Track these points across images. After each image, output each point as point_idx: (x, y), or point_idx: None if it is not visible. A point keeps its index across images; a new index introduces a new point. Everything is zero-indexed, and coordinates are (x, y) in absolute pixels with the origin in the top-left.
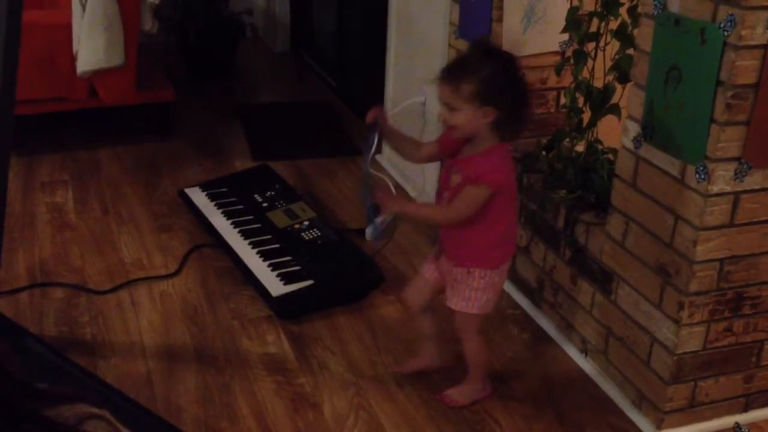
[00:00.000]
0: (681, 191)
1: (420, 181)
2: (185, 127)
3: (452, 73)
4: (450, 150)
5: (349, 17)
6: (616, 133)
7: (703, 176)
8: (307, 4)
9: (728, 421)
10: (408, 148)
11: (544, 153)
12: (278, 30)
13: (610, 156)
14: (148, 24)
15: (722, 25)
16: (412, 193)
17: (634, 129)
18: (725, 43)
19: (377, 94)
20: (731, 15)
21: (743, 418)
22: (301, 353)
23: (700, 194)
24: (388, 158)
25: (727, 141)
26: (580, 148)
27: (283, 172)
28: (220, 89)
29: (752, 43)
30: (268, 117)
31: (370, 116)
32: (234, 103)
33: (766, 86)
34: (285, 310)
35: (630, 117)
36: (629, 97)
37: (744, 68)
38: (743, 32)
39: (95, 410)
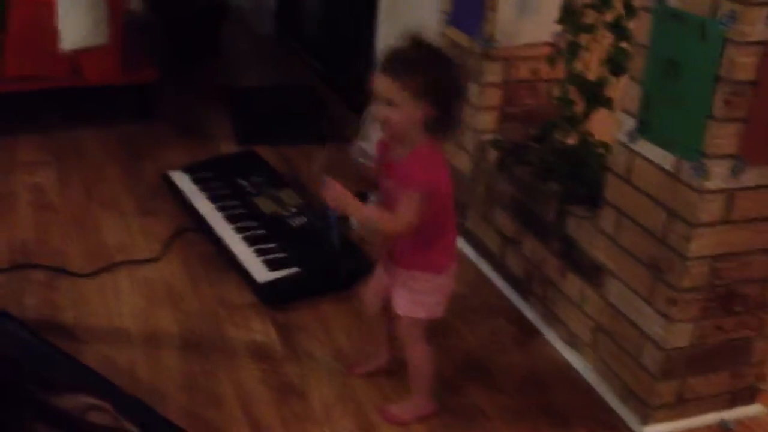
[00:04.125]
0: (675, 187)
1: None
2: (168, 109)
3: (392, 66)
4: (381, 154)
5: (336, 1)
6: (607, 126)
7: (699, 172)
8: None
9: (714, 417)
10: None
11: (533, 144)
12: (263, 12)
13: (601, 150)
14: (135, 2)
15: (723, 21)
16: None
17: (628, 123)
18: (725, 39)
19: (362, 78)
20: (732, 11)
21: (729, 414)
22: (288, 342)
23: (695, 190)
24: (370, 144)
25: (724, 137)
26: (570, 140)
27: (268, 157)
28: (204, 71)
29: (752, 39)
30: (254, 100)
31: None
32: (218, 85)
33: (765, 83)
34: (270, 296)
35: (625, 111)
36: (624, 91)
37: (743, 64)
38: (744, 28)
39: (97, 401)
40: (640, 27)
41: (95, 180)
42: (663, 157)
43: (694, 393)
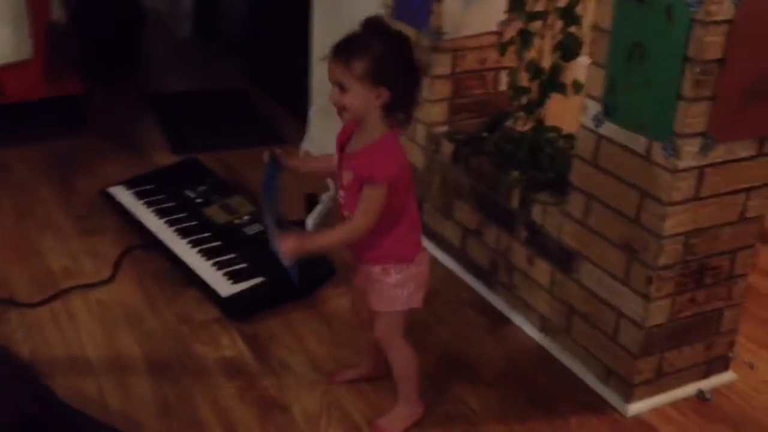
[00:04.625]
0: (647, 168)
1: None
2: (95, 120)
3: (343, 50)
4: (342, 144)
5: (261, 1)
6: (558, 112)
7: (670, 152)
8: None
9: (692, 388)
10: (324, 167)
11: (485, 134)
12: (181, 15)
13: (554, 136)
14: (57, 12)
15: (689, 2)
16: None
17: (594, 107)
18: (693, 20)
19: (298, 78)
20: None
21: (704, 384)
22: (260, 354)
23: (667, 170)
24: (315, 144)
25: (693, 116)
26: (521, 128)
27: (208, 164)
28: (125, 79)
29: (719, 18)
30: (182, 106)
31: (265, 157)
32: (142, 92)
33: (732, 60)
34: (236, 310)
35: (589, 96)
36: (588, 76)
37: (711, 44)
38: (711, 8)
39: None
40: (601, 12)
41: (27, 202)
42: (632, 139)
43: (671, 367)
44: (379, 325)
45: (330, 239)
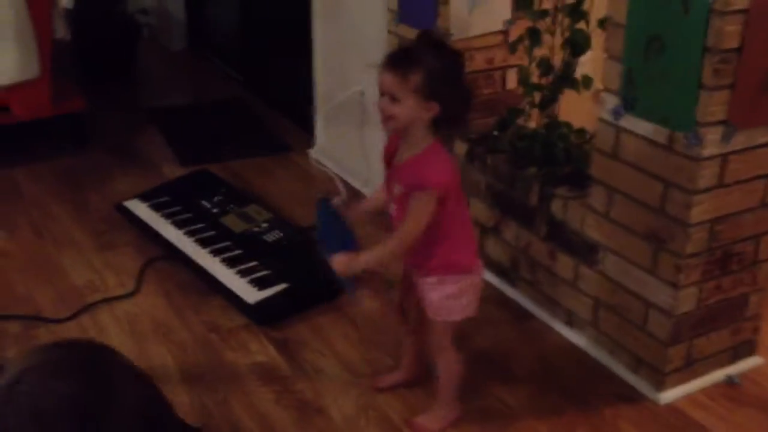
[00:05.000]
0: (670, 158)
1: (363, 171)
2: (99, 136)
3: (399, 62)
4: (389, 158)
5: (253, 9)
6: (567, 107)
7: (694, 141)
8: (203, 0)
9: (720, 374)
10: (383, 199)
11: (496, 132)
12: (173, 28)
13: (566, 131)
14: (62, 31)
15: None
16: (356, 185)
17: (612, 101)
18: (711, 11)
19: (299, 86)
20: None
21: (732, 369)
22: (291, 359)
23: (691, 159)
24: (323, 151)
25: (714, 105)
26: (533, 124)
27: (219, 174)
28: (123, 93)
29: (736, 7)
30: (183, 119)
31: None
32: (142, 106)
33: (749, 49)
34: (264, 316)
35: (607, 90)
36: (604, 70)
37: (730, 33)
38: None
39: None
40: (616, 6)
41: (42, 219)
42: (653, 130)
43: (700, 354)
44: (433, 333)
45: (382, 253)
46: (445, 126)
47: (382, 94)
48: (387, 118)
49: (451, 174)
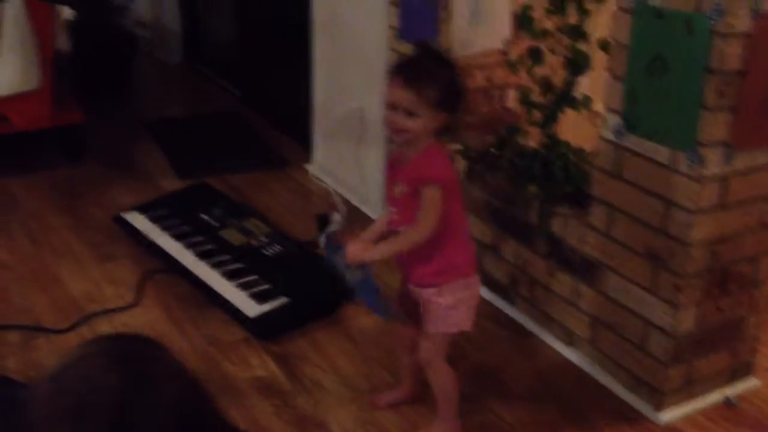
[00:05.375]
0: (671, 177)
1: (361, 187)
2: (96, 148)
3: (413, 77)
4: (393, 165)
5: (252, 24)
6: (565, 126)
7: (695, 161)
8: (199, 14)
9: (718, 395)
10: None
11: (495, 150)
12: (169, 42)
13: (565, 149)
14: (63, 42)
15: (709, 15)
16: (354, 201)
17: (613, 120)
18: (713, 32)
19: (297, 101)
20: (717, 4)
21: (730, 390)
22: (291, 373)
23: (692, 179)
24: (321, 166)
25: (716, 126)
26: (533, 143)
27: (216, 188)
28: (121, 105)
29: (738, 30)
30: (181, 132)
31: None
32: (139, 119)
33: (752, 71)
34: (264, 330)
35: (609, 109)
36: (606, 90)
37: (732, 55)
38: (731, 20)
39: None
40: (618, 27)
41: (40, 230)
42: (655, 150)
43: (699, 374)
44: (425, 346)
45: (393, 247)
46: (446, 132)
47: (394, 108)
48: (400, 132)
49: (452, 171)
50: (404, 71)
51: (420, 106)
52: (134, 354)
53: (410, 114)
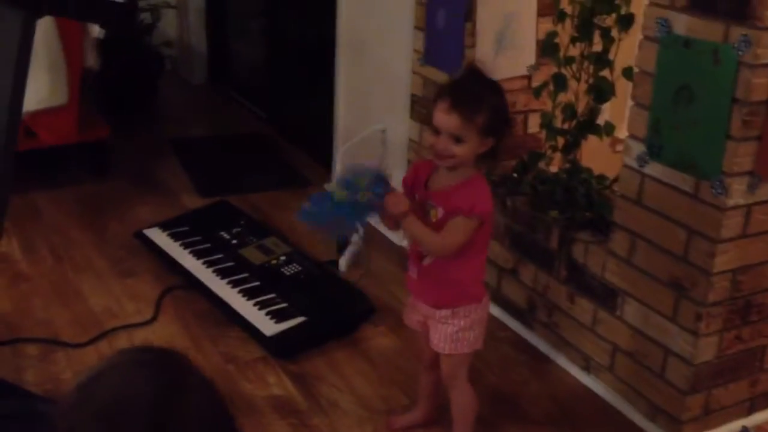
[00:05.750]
0: (695, 206)
1: None
2: (120, 165)
3: (465, 103)
4: (411, 184)
5: (277, 45)
6: (587, 153)
7: (719, 190)
8: (225, 35)
9: (736, 425)
10: None
11: (517, 175)
12: (195, 61)
13: (587, 175)
14: (91, 60)
15: (736, 46)
16: (373, 222)
17: (637, 148)
18: (740, 63)
19: (320, 122)
20: (745, 36)
21: (748, 420)
22: (308, 392)
23: (717, 208)
24: None
25: (741, 156)
26: (554, 168)
27: (238, 207)
28: (145, 125)
29: (765, 61)
30: (204, 151)
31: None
32: (163, 138)
33: None
34: (281, 349)
35: (633, 136)
36: (630, 117)
37: (758, 86)
38: (759, 51)
39: None
40: (645, 56)
41: (63, 244)
42: (678, 178)
43: (718, 404)
44: (446, 367)
45: (424, 232)
46: (487, 157)
47: (439, 132)
48: (447, 157)
49: (492, 204)
50: (452, 95)
51: (468, 132)
52: (165, 364)
53: (457, 140)
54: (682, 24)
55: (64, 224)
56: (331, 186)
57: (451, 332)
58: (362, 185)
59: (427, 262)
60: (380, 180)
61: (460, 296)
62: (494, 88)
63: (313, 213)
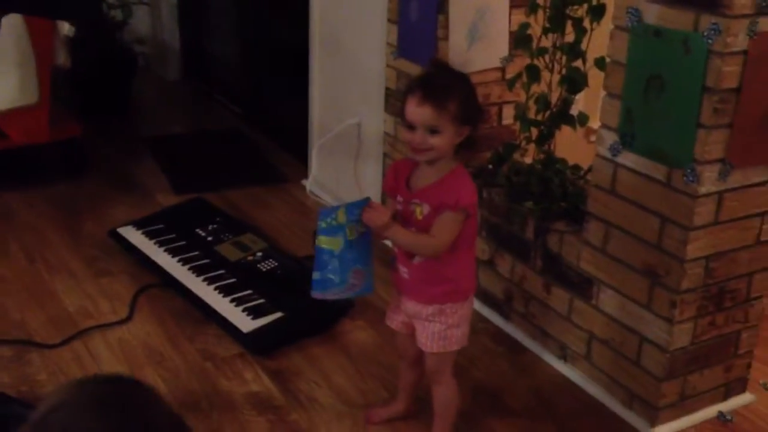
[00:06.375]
0: (667, 194)
1: None
2: (94, 164)
3: (433, 93)
4: (393, 185)
5: (252, 41)
6: (561, 143)
7: (691, 178)
8: (199, 30)
9: (713, 410)
10: None
11: (492, 167)
12: (168, 58)
13: (562, 166)
14: (61, 57)
15: (706, 34)
16: None
17: (610, 138)
18: (710, 51)
19: (296, 117)
20: (715, 24)
21: (724, 406)
22: (286, 388)
23: (689, 196)
24: (318, 182)
25: (712, 144)
26: (529, 159)
27: (213, 203)
28: (119, 122)
29: (735, 49)
30: (179, 148)
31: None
32: (137, 135)
33: (748, 90)
34: (259, 345)
35: (605, 126)
36: (603, 107)
37: (728, 74)
38: (728, 39)
39: None
40: (616, 46)
41: (36, 245)
42: (651, 167)
43: (694, 390)
44: (432, 364)
45: (412, 238)
46: (465, 147)
47: (414, 127)
48: (425, 151)
49: (476, 195)
50: (422, 88)
51: (442, 121)
52: (122, 398)
53: (433, 131)
54: (653, 13)
55: (38, 224)
56: (320, 241)
57: (439, 330)
58: (343, 221)
59: (417, 260)
60: (352, 207)
61: (452, 292)
62: (461, 77)
63: (326, 279)
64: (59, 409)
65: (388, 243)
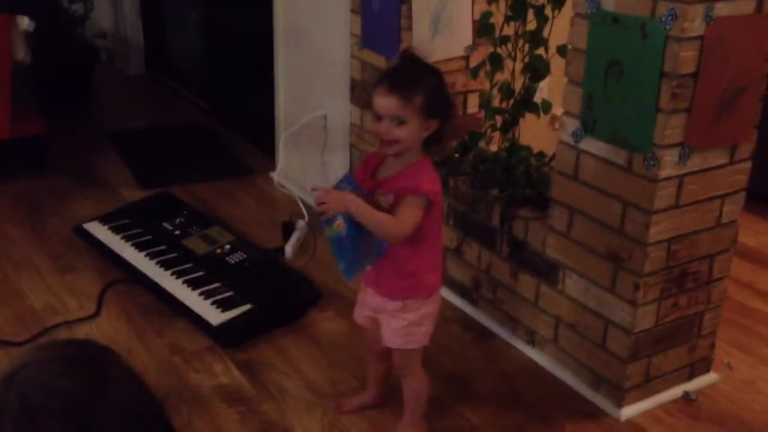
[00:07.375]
0: (629, 179)
1: None
2: (56, 159)
3: (401, 85)
4: (363, 177)
5: (215, 34)
6: (525, 131)
7: (652, 163)
8: (162, 24)
9: (678, 390)
10: None
11: (458, 155)
12: (131, 52)
13: (526, 153)
14: (21, 53)
15: (663, 20)
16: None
17: (572, 124)
18: (667, 37)
19: (261, 110)
20: (672, 9)
21: (689, 386)
22: (256, 380)
23: (649, 180)
24: (285, 174)
25: (671, 128)
26: (494, 147)
27: (180, 197)
28: (82, 118)
29: (692, 34)
30: (143, 142)
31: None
32: (101, 130)
33: (705, 74)
34: (228, 338)
35: (567, 113)
36: (565, 94)
37: (686, 59)
38: (685, 24)
39: None
40: (576, 33)
41: (0, 242)
42: (612, 152)
43: (658, 371)
44: (398, 360)
45: (372, 215)
46: (433, 141)
47: (381, 118)
48: (391, 142)
49: (440, 186)
50: (389, 79)
51: (408, 112)
52: (88, 358)
53: (399, 122)
54: (611, 0)
55: (1, 222)
56: (328, 233)
57: (400, 326)
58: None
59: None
60: (340, 185)
61: (414, 287)
62: (431, 70)
63: (349, 263)
64: (25, 366)
65: None
